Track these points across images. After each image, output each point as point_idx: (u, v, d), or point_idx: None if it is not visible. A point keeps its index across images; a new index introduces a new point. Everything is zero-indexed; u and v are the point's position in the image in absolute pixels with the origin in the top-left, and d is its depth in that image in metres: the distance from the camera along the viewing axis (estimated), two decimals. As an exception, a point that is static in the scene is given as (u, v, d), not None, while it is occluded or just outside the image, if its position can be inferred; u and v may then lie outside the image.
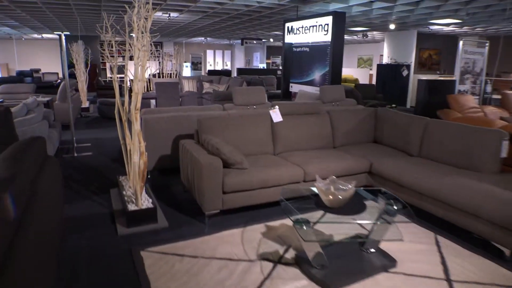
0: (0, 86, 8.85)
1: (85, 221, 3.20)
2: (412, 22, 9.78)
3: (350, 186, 2.45)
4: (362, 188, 2.79)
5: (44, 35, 16.07)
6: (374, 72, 16.64)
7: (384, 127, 4.43)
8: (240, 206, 3.26)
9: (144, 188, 3.34)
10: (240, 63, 21.24)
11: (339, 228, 2.77)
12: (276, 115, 3.96)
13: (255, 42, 15.62)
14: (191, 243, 2.81)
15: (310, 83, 7.15)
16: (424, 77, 12.36)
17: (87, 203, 3.62)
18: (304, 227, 2.22)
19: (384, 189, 2.78)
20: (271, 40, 17.41)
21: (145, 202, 3.18)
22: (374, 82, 15.99)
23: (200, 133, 3.71)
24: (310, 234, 2.22)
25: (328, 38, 6.36)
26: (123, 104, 3.34)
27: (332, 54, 6.31)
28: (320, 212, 2.39)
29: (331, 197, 2.35)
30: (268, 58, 20.78)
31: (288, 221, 3.18)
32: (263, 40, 17.08)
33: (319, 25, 6.56)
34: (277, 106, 4.02)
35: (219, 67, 21.81)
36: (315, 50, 6.91)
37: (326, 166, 3.56)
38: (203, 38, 17.29)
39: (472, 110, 5.24)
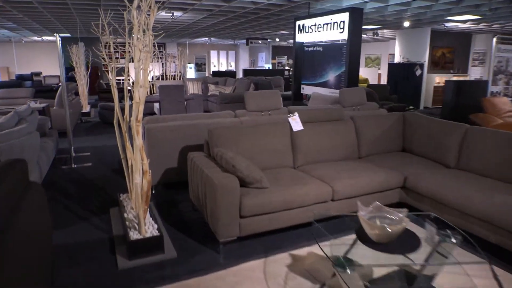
0: (-2, 91, 8.45)
1: (80, 250, 2.77)
2: (427, 19, 9.29)
3: (400, 215, 2.00)
4: (412, 214, 2.34)
5: (44, 38, 15.70)
6: (382, 71, 16.16)
7: (414, 134, 3.97)
8: (260, 231, 2.80)
9: (148, 210, 2.90)
10: (244, 64, 20.78)
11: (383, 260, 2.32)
12: (296, 123, 3.52)
13: (260, 42, 15.18)
14: (204, 280, 2.36)
15: (324, 84, 6.70)
16: (438, 76, 11.87)
17: (84, 226, 3.18)
18: (348, 271, 1.78)
19: (434, 214, 2.33)
20: (277, 40, 16.96)
21: (150, 228, 2.73)
22: (382, 82, 15.51)
23: (211, 145, 3.26)
24: (357, 281, 1.77)
25: (344, 36, 5.90)
26: (123, 113, 2.90)
27: (348, 53, 5.85)
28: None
29: (377, 231, 1.90)
30: (273, 58, 20.33)
31: (316, 249, 2.73)
32: (268, 40, 16.63)
33: (334, 23, 6.10)
34: (296, 113, 3.57)
35: (223, 68, 21.36)
36: (329, 49, 6.45)
37: (355, 182, 3.11)
38: (207, 38, 16.86)
39: (509, 114, 4.77)
